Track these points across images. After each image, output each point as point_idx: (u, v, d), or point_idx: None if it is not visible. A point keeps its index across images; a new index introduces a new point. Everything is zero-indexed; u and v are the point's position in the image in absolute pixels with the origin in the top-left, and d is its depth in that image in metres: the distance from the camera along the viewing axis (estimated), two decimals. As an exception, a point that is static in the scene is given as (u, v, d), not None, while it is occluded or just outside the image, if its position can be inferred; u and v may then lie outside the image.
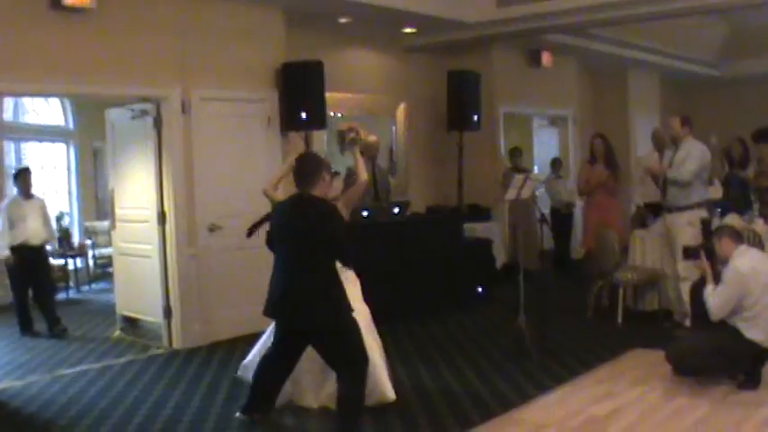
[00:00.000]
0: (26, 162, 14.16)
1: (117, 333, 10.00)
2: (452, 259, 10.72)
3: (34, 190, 10.45)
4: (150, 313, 9.52)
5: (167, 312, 9.28)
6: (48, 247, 10.72)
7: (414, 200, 11.80)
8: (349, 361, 5.96)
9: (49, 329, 10.23)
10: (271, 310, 6.06)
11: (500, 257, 12.33)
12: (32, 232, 10.15)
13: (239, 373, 7.31)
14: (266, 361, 6.39)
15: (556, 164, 14.40)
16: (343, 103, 11.80)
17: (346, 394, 5.94)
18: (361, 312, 6.65)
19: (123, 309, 10.05)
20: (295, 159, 6.38)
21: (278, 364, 6.31)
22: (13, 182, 10.52)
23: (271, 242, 6.17)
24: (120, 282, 10.18)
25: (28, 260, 10.03)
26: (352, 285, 6.68)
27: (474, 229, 12.18)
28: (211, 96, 9.43)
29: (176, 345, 9.23)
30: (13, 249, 9.93)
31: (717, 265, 7.25)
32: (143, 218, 9.46)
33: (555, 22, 11.76)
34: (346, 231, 6.01)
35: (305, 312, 5.85)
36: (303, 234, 5.84)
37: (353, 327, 6.03)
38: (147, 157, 9.33)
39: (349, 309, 6.00)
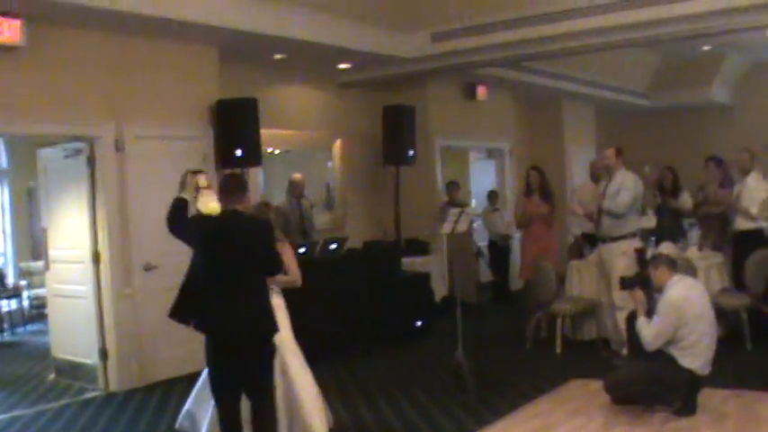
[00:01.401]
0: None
1: (52, 376, 9.82)
2: (391, 294, 10.73)
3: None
4: (86, 355, 9.34)
5: (103, 354, 9.14)
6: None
7: (351, 235, 11.79)
8: (268, 391, 5.94)
9: None
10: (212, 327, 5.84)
11: (439, 291, 12.35)
12: None
13: (178, 425, 6.88)
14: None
15: (492, 196, 14.48)
16: (279, 139, 11.80)
17: (267, 428, 5.90)
18: (291, 342, 6.63)
19: (58, 351, 9.85)
20: (223, 176, 6.39)
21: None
22: None
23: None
24: (54, 324, 10.00)
25: None
26: (282, 313, 6.62)
27: (412, 263, 12.20)
28: (146, 134, 9.36)
29: (113, 387, 9.08)
30: None
31: (652, 294, 7.33)
32: (77, 258, 9.32)
33: (489, 56, 11.84)
34: None
35: (246, 329, 5.75)
36: (243, 250, 5.75)
37: (273, 354, 6.00)
38: (80, 197, 9.22)
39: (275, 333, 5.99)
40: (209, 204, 5.91)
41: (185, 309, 5.93)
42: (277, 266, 6.02)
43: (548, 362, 9.44)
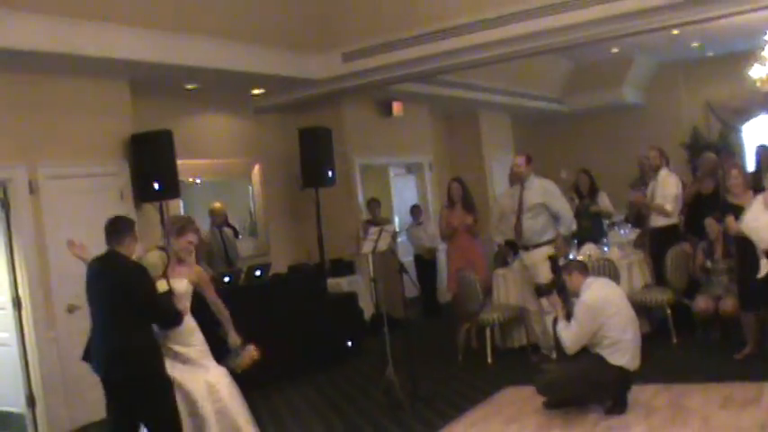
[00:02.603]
0: None
1: (-22, 428, 9.61)
2: (319, 316, 10.70)
3: None
4: (12, 403, 9.13)
5: (30, 401, 8.93)
6: None
7: (276, 260, 11.75)
8: (163, 425, 6.09)
9: None
10: (93, 365, 6.20)
11: (367, 310, 12.35)
12: None
13: None
14: None
15: (415, 211, 14.52)
16: (197, 169, 11.72)
17: None
18: (218, 375, 6.56)
19: (-17, 401, 9.65)
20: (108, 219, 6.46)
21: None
22: None
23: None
24: (-23, 373, 9.78)
25: None
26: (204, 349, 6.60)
27: (338, 284, 12.21)
28: (60, 174, 9.20)
29: (43, 433, 8.91)
30: None
31: (568, 299, 7.45)
32: (-3, 304, 9.14)
33: (401, 72, 11.85)
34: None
35: (113, 367, 5.99)
36: (111, 291, 5.99)
37: (164, 392, 6.09)
38: (-4, 242, 9.04)
39: (159, 372, 6.09)
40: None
41: (89, 350, 6.29)
42: (151, 312, 6.11)
43: (480, 372, 9.50)
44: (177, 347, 6.38)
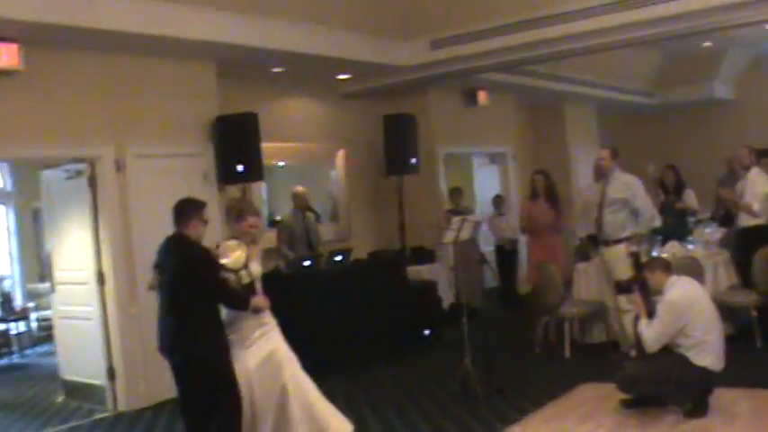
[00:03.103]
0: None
1: (61, 398, 9.81)
2: (397, 303, 10.69)
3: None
4: (94, 376, 9.33)
5: (111, 374, 9.13)
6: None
7: (356, 246, 11.78)
8: (212, 412, 6.05)
9: None
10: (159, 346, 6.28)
11: (446, 299, 12.31)
12: None
13: None
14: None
15: (497, 201, 14.43)
16: (281, 152, 11.80)
17: None
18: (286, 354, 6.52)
19: (66, 372, 9.84)
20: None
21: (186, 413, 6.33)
22: None
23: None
24: (61, 345, 9.99)
25: None
26: (271, 338, 6.51)
27: (418, 271, 12.17)
28: (145, 153, 9.35)
29: (122, 407, 9.08)
30: None
31: (650, 297, 7.30)
32: (82, 279, 9.31)
33: (489, 62, 11.78)
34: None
35: (172, 349, 6.09)
36: (172, 274, 6.04)
37: (220, 380, 6.07)
38: (83, 218, 9.22)
39: (215, 358, 6.05)
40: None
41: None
42: (212, 293, 6.10)
43: (557, 366, 9.40)
44: (250, 328, 6.38)
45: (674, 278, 7.18)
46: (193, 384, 6.06)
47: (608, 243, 9.36)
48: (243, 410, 6.21)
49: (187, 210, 6.21)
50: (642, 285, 7.37)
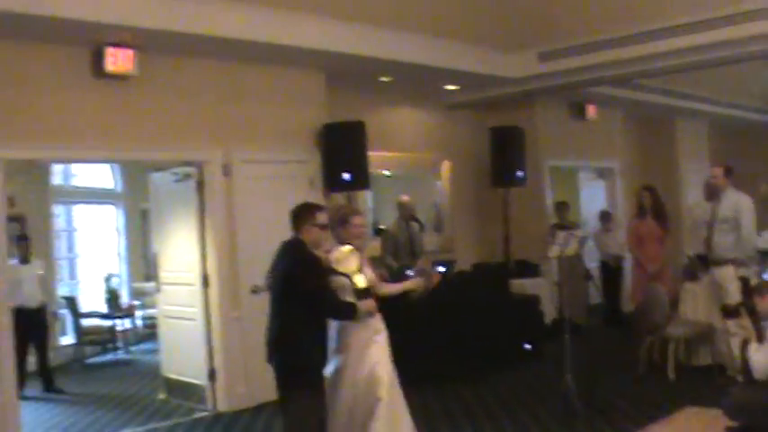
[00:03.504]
0: (75, 224, 14.45)
1: (162, 395, 9.98)
2: (499, 316, 10.59)
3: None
4: (195, 375, 9.48)
5: (212, 375, 9.26)
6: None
7: (460, 257, 11.72)
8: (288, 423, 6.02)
9: (44, 389, 10.66)
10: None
11: (549, 313, 12.16)
12: (28, 295, 10.49)
13: None
14: None
15: (604, 217, 14.23)
16: (387, 161, 11.82)
17: None
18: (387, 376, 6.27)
19: (169, 371, 10.02)
20: None
21: None
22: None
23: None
24: (165, 344, 10.17)
25: (25, 322, 10.05)
26: (379, 349, 6.28)
27: (522, 285, 12.04)
28: (253, 159, 9.47)
29: (221, 407, 9.19)
30: (13, 312, 9.96)
31: (760, 322, 7.07)
32: (187, 281, 9.47)
33: (598, 75, 11.60)
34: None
35: (270, 354, 6.01)
36: (278, 279, 5.98)
37: (301, 392, 5.90)
38: (190, 221, 9.38)
39: (302, 368, 5.91)
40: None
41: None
42: (313, 303, 5.92)
43: (661, 388, 9.17)
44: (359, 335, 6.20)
45: None
46: (286, 390, 5.98)
47: (718, 263, 9.12)
48: (339, 416, 6.11)
49: (300, 214, 6.12)
50: (751, 310, 7.13)
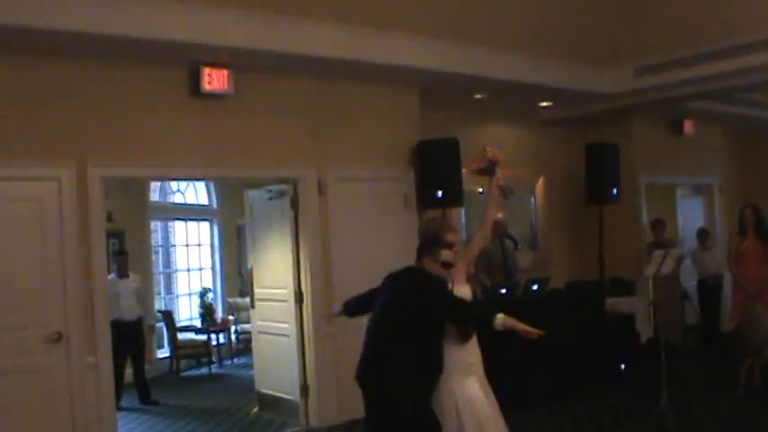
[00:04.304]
0: (173, 239, 14.73)
1: (255, 410, 10.08)
2: (594, 335, 10.45)
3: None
4: (288, 391, 9.55)
5: (304, 390, 9.31)
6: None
7: (554, 275, 11.59)
8: None
9: (140, 401, 10.89)
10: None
11: (644, 333, 11.94)
12: (126, 309, 10.78)
13: None
14: None
15: (702, 235, 13.94)
16: (479, 179, 11.71)
17: None
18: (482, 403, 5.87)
19: (262, 385, 10.12)
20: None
21: None
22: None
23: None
24: (258, 359, 10.29)
25: (123, 335, 10.31)
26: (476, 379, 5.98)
27: (616, 304, 11.86)
28: (347, 176, 9.53)
29: (313, 423, 9.24)
30: (111, 325, 10.13)
31: None
32: (281, 297, 9.55)
33: (696, 89, 11.38)
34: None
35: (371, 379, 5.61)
36: (397, 298, 5.58)
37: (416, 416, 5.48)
38: (284, 237, 9.47)
39: (416, 395, 5.48)
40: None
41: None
42: (446, 310, 5.52)
43: (760, 413, 8.93)
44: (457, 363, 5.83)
45: None
46: (383, 420, 5.56)
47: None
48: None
49: (423, 245, 5.75)
50: None
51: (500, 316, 5.24)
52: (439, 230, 5.75)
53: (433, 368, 5.53)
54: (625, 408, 9.45)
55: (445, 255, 5.64)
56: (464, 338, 5.82)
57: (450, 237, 5.72)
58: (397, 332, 5.48)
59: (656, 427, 8.05)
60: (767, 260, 10.67)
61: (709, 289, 13.57)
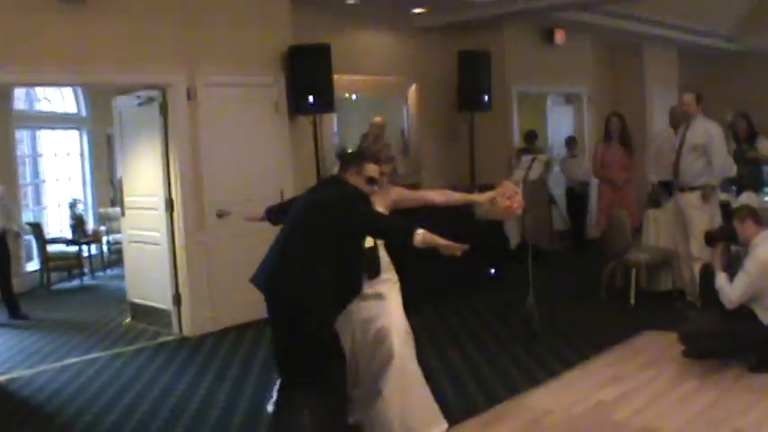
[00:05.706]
0: (40, 149, 14.33)
1: (128, 320, 10.00)
2: (464, 241, 10.58)
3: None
4: (160, 300, 9.49)
5: (177, 299, 9.27)
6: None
7: (426, 181, 11.72)
8: (300, 380, 5.25)
9: (9, 315, 10.61)
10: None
11: (513, 238, 12.23)
12: None
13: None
14: None
15: (571, 143, 14.26)
16: (353, 84, 11.74)
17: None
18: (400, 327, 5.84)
19: (134, 296, 10.03)
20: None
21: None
22: None
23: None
24: (130, 269, 10.18)
25: None
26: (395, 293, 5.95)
27: (487, 210, 12.05)
28: (217, 82, 9.36)
29: (186, 331, 9.22)
30: None
31: (730, 250, 7.11)
32: (151, 205, 9.43)
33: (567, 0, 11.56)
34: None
35: (277, 289, 5.24)
36: (315, 207, 5.35)
37: (329, 338, 5.27)
38: (154, 145, 9.30)
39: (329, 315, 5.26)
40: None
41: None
42: (368, 225, 5.28)
43: (621, 313, 9.30)
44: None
45: (765, 233, 6.89)
46: (295, 339, 5.19)
47: (683, 190, 9.16)
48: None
49: (345, 159, 5.64)
50: (730, 235, 7.11)
51: (420, 231, 5.06)
52: (377, 153, 5.76)
53: (349, 289, 5.32)
54: (493, 310, 9.71)
55: (371, 169, 5.50)
56: (371, 274, 5.68)
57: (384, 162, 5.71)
58: (316, 243, 5.15)
59: (523, 326, 8.28)
60: (630, 167, 10.99)
61: (577, 196, 13.94)
